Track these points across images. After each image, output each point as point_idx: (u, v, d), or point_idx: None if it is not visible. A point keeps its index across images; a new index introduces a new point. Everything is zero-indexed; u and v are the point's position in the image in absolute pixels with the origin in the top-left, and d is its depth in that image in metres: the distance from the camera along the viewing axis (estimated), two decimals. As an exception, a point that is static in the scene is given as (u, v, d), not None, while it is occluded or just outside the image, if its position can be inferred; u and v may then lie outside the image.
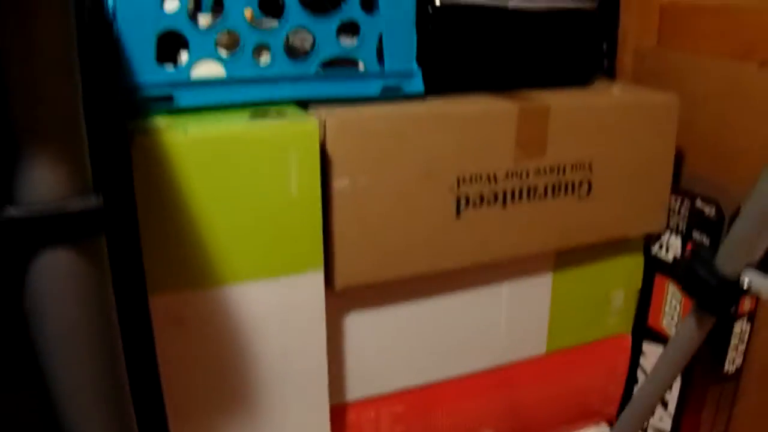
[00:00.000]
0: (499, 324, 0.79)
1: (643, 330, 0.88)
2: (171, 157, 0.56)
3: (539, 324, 0.82)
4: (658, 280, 0.85)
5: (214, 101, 0.62)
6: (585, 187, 0.75)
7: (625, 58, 0.99)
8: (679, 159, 0.89)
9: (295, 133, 0.59)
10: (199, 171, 0.56)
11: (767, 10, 0.84)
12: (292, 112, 0.62)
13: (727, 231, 0.80)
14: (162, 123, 0.57)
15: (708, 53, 0.89)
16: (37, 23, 0.39)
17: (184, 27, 0.60)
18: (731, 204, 0.79)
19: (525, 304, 0.80)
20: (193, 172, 0.56)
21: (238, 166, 0.58)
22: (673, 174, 0.83)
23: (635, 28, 0.98)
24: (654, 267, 0.86)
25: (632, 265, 0.86)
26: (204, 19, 0.67)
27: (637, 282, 0.86)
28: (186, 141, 0.56)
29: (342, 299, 0.69)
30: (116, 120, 0.58)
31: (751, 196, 0.53)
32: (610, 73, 0.98)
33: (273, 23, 0.64)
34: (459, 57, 0.73)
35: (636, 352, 0.89)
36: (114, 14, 0.58)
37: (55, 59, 0.40)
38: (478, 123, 0.68)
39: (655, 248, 0.85)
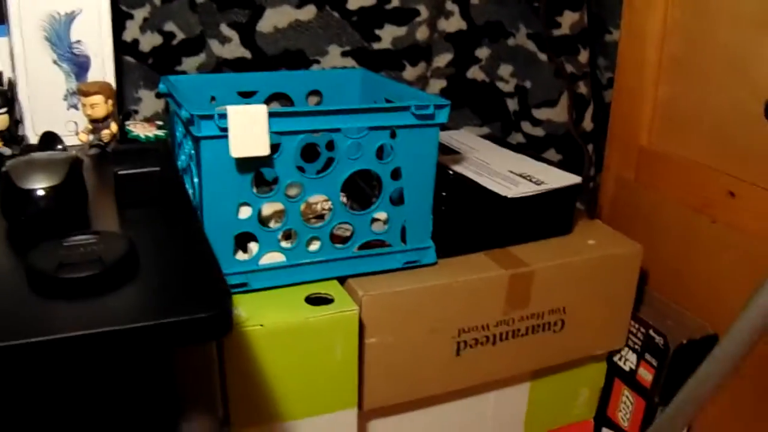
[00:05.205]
0: (486, 420, 1.01)
1: (603, 418, 1.10)
2: (251, 342, 0.77)
3: (518, 418, 1.04)
4: (617, 383, 1.07)
5: (277, 284, 0.82)
6: (559, 324, 0.96)
7: (609, 184, 1.17)
8: (644, 279, 1.09)
9: (341, 322, 0.79)
10: (272, 349, 0.78)
11: (722, 168, 1.01)
12: (338, 296, 0.82)
13: (671, 359, 1.01)
14: (241, 313, 0.77)
15: (672, 199, 1.07)
16: None
17: (255, 229, 0.80)
18: (677, 336, 0.99)
19: (507, 404, 1.02)
20: (267, 350, 0.77)
21: (299, 344, 0.79)
22: (637, 293, 1.03)
23: (617, 161, 1.16)
24: (614, 372, 1.07)
25: (596, 371, 1.07)
26: (267, 209, 0.86)
27: (600, 382, 1.08)
28: (263, 331, 0.76)
29: (369, 413, 0.91)
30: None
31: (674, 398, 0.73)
32: (594, 198, 1.17)
33: (320, 221, 0.84)
34: (465, 229, 0.92)
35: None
36: (202, 221, 0.78)
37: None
38: (476, 289, 0.88)
39: (616, 357, 1.07)
